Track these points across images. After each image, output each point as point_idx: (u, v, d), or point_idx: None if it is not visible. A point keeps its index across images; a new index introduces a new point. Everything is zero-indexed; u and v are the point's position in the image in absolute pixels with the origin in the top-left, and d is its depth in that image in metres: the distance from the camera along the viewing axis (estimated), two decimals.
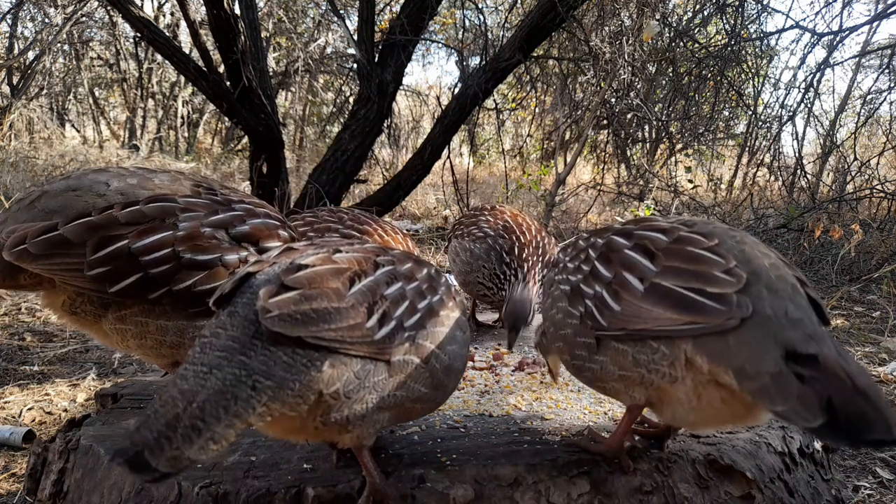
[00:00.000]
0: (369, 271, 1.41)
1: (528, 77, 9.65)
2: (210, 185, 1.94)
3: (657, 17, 7.57)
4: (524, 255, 2.88)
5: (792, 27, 7.62)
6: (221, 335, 1.26)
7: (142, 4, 8.42)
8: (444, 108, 7.24)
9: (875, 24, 8.60)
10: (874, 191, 7.46)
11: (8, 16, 11.40)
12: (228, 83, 5.84)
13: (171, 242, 1.72)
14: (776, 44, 11.86)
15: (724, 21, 8.30)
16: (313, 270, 1.33)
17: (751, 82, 8.96)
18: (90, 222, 1.71)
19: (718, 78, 8.55)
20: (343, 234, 2.63)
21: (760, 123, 9.31)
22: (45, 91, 12.57)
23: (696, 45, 8.48)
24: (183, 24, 10.51)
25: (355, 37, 6.97)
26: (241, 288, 1.34)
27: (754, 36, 8.49)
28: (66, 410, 3.25)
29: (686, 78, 8.56)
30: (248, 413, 1.17)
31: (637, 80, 7.88)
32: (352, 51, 9.33)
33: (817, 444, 1.95)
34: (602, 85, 7.83)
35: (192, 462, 1.10)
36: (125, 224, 1.72)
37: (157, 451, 1.09)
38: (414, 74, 31.01)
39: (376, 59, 6.90)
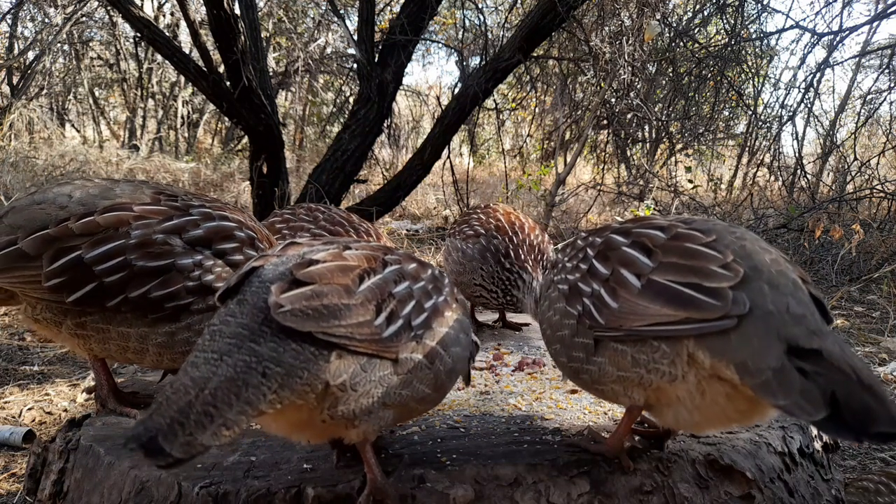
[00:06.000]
0: (378, 269, 1.41)
1: (528, 77, 9.65)
2: (173, 192, 1.97)
3: (657, 17, 7.57)
4: (521, 256, 2.86)
5: (792, 27, 7.63)
6: (231, 322, 1.27)
7: (142, 4, 8.41)
8: (444, 108, 7.24)
9: (875, 24, 8.61)
10: (874, 191, 7.47)
11: (8, 16, 11.38)
12: (228, 83, 5.83)
13: (122, 251, 1.75)
14: (776, 44, 11.87)
15: (724, 21, 8.30)
16: (325, 266, 1.34)
17: (751, 82, 8.97)
18: (46, 235, 1.74)
19: (718, 78, 8.55)
20: (314, 233, 2.59)
21: (760, 123, 9.32)
22: (45, 91, 12.55)
23: (696, 45, 8.48)
24: (183, 24, 10.50)
25: (355, 37, 6.97)
26: (247, 280, 1.35)
27: (754, 36, 8.50)
28: (66, 410, 3.25)
29: (686, 78, 8.56)
30: (259, 400, 1.18)
31: (637, 80, 7.88)
32: (352, 51, 9.33)
33: (817, 445, 1.95)
34: (602, 85, 7.82)
35: (205, 448, 1.11)
36: (79, 235, 1.75)
37: (171, 437, 1.09)
38: (414, 74, 30.98)
39: (376, 59, 6.91)
